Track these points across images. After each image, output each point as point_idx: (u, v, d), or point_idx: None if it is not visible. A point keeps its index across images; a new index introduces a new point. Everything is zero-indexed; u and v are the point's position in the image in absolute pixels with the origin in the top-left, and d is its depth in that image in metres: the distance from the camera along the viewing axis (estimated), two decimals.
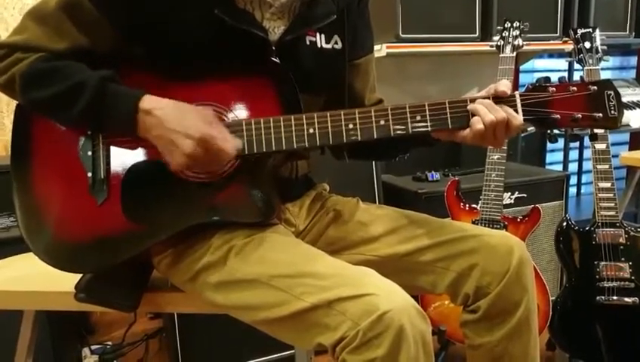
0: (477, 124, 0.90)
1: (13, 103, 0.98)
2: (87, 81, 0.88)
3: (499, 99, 0.91)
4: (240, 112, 0.94)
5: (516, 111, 0.91)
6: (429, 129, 0.92)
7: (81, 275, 1.01)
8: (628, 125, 2.24)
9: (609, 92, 0.90)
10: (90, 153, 0.95)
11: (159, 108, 0.88)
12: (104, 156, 0.94)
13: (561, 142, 3.02)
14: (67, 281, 1.00)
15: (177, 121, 0.87)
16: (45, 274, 0.99)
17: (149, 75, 0.94)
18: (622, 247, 1.59)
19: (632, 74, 3.28)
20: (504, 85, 0.92)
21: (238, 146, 0.90)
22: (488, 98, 0.92)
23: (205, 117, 0.89)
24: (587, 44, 1.63)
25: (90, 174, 0.94)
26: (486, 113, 0.89)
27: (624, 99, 2.32)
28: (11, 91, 0.93)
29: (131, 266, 0.99)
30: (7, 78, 0.92)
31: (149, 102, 0.88)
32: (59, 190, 0.96)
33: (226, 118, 0.93)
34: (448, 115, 0.92)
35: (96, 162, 0.94)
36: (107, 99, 0.88)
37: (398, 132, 0.92)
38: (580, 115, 0.91)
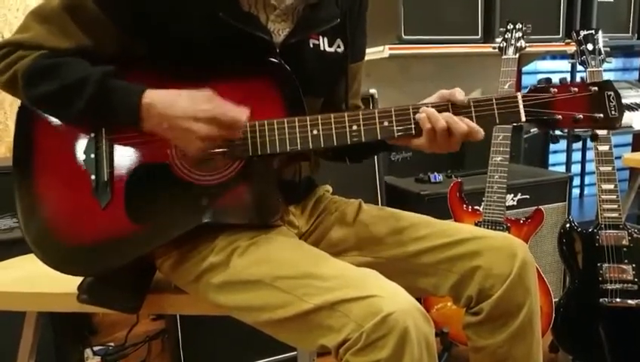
0: (427, 130, 0.90)
1: (17, 104, 0.98)
2: (90, 76, 0.88)
3: (445, 106, 0.91)
4: None
5: (519, 111, 0.91)
6: None
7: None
8: (630, 127, 2.24)
9: (609, 93, 0.91)
10: (93, 155, 0.95)
11: (160, 101, 0.88)
12: (107, 158, 0.94)
13: (563, 144, 3.02)
14: (69, 282, 1.00)
15: (182, 108, 0.87)
16: (47, 276, 0.99)
17: (153, 76, 0.93)
18: (625, 249, 1.59)
19: (635, 75, 3.28)
20: (459, 93, 0.92)
21: (246, 111, 0.90)
22: (467, 104, 0.91)
23: (205, 95, 0.89)
24: (590, 46, 1.63)
25: (93, 177, 0.94)
26: (429, 120, 0.90)
27: (627, 101, 2.32)
28: (14, 89, 0.93)
29: (134, 268, 0.99)
30: (9, 76, 0.91)
31: (149, 95, 0.88)
32: (61, 193, 0.96)
33: None
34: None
35: (100, 164, 0.94)
36: (109, 93, 0.88)
37: (403, 133, 0.92)
38: (581, 116, 0.91)
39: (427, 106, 0.91)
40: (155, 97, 0.88)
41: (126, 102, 0.88)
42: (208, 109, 0.87)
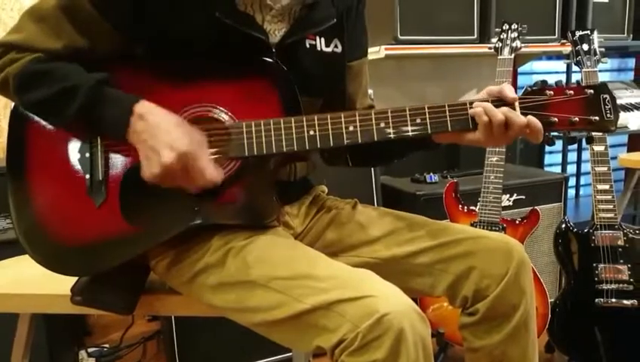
0: (484, 124, 0.90)
1: (11, 105, 0.98)
2: (82, 84, 0.87)
3: (500, 102, 0.92)
4: (240, 114, 0.93)
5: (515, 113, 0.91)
6: (429, 132, 0.92)
7: (77, 277, 1.00)
8: (626, 127, 2.24)
9: (605, 96, 0.92)
10: (87, 155, 0.94)
11: (153, 114, 0.86)
12: (102, 157, 0.94)
13: (559, 145, 3.02)
14: (63, 284, 0.99)
15: (167, 130, 0.85)
16: (41, 277, 0.99)
17: (149, 75, 0.93)
18: (620, 249, 1.59)
19: (630, 76, 3.29)
20: (509, 90, 0.92)
21: (219, 178, 0.88)
22: (487, 101, 0.92)
23: (196, 137, 0.87)
24: (585, 47, 1.64)
25: (87, 176, 0.94)
26: (488, 114, 0.90)
27: (622, 101, 2.33)
28: (6, 92, 0.92)
29: (128, 269, 0.98)
30: (1, 79, 0.91)
31: (143, 106, 0.87)
32: (55, 192, 0.96)
33: (226, 120, 0.93)
34: (448, 118, 0.92)
35: (94, 163, 0.94)
36: (103, 102, 0.87)
37: (398, 134, 0.92)
38: (577, 118, 0.92)
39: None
40: (149, 109, 0.87)
41: (118, 111, 0.87)
42: (188, 147, 0.84)
